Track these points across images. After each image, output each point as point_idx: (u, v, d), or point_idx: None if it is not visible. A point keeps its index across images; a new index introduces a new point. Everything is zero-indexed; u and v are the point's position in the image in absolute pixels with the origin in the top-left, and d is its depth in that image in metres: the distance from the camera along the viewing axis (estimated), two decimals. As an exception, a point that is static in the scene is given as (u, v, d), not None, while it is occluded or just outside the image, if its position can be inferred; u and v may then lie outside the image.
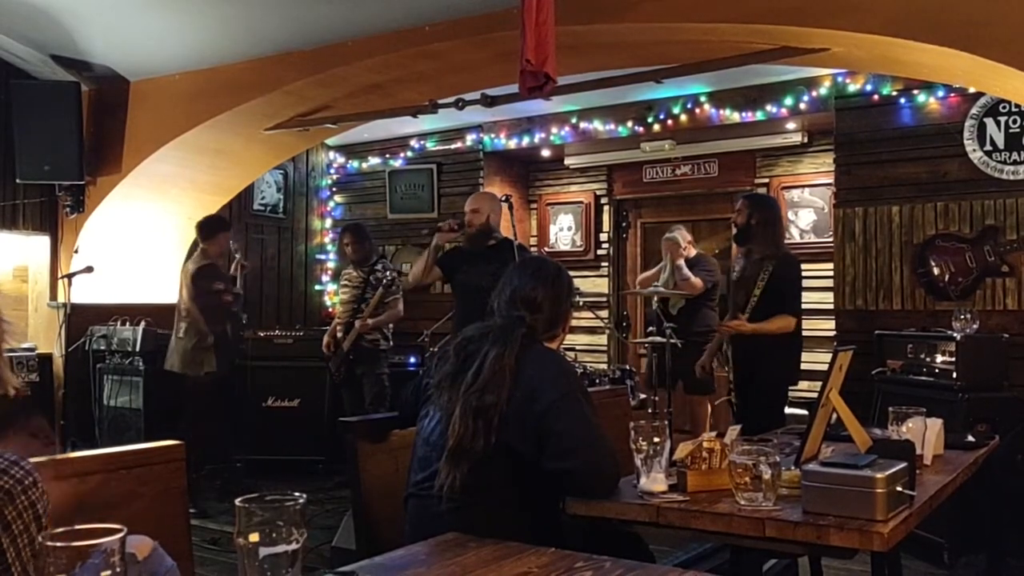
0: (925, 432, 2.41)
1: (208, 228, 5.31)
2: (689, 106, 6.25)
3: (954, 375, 4.21)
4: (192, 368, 5.19)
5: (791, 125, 6.23)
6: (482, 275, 4.22)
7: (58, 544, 0.98)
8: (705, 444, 2.10)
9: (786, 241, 6.35)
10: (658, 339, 5.25)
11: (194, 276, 5.17)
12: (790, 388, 4.44)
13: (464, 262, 4.44)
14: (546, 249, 7.45)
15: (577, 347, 6.85)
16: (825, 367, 2.25)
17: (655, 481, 2.04)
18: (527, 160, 7.59)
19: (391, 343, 5.79)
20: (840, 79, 5.55)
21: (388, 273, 5.58)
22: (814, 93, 5.74)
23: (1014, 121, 4.99)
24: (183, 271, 5.38)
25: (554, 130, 6.85)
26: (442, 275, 4.58)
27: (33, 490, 1.16)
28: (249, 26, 5.05)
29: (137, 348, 5.73)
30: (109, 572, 0.99)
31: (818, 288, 6.12)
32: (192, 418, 5.14)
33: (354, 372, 5.67)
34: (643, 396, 5.57)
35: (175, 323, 5.30)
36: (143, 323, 5.80)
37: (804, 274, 6.17)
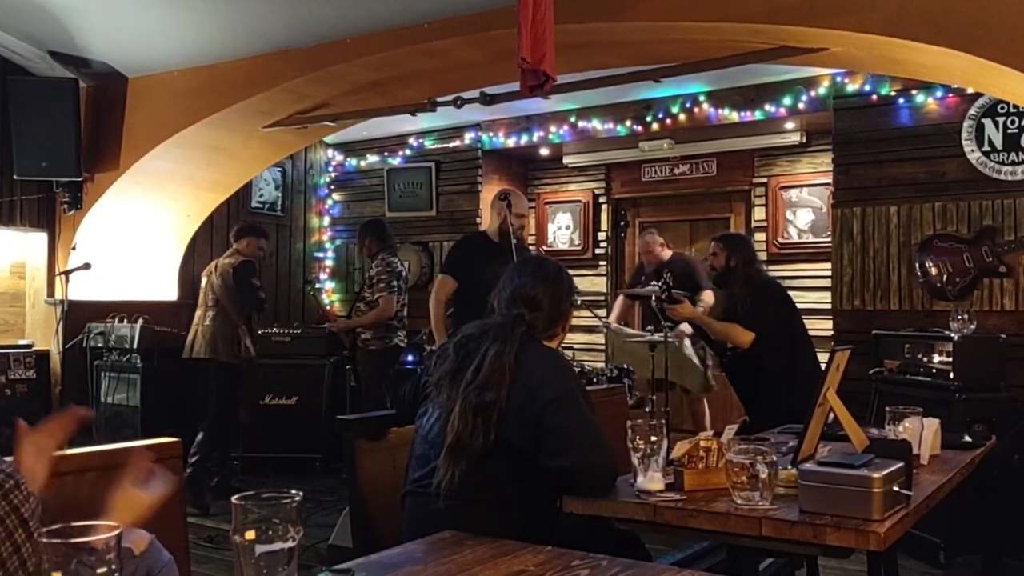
0: (922, 432, 2.42)
1: (237, 231, 5.67)
2: (688, 105, 6.25)
3: (951, 375, 4.21)
4: (221, 354, 5.32)
5: (790, 125, 6.23)
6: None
7: (54, 541, 0.98)
8: (702, 443, 2.10)
9: (783, 241, 6.44)
10: (656, 338, 5.25)
11: (236, 268, 5.40)
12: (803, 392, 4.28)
13: (482, 262, 4.25)
14: (544, 248, 7.44)
15: (575, 346, 6.85)
16: (823, 367, 2.25)
17: (652, 480, 2.04)
18: (525, 159, 7.59)
19: (390, 342, 5.52)
20: (839, 79, 5.56)
21: (375, 270, 5.47)
22: (813, 93, 5.74)
23: (1012, 122, 5.00)
24: (216, 265, 5.51)
25: (553, 129, 6.85)
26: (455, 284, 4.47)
27: (15, 493, 1.13)
28: (248, 23, 5.04)
29: (135, 345, 5.72)
30: (105, 569, 0.99)
31: (816, 288, 6.13)
32: (221, 405, 5.35)
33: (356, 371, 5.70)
34: (640, 395, 5.58)
35: (201, 313, 5.44)
36: (141, 320, 5.79)
37: (802, 274, 6.28)
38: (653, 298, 4.51)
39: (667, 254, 5.96)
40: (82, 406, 1.54)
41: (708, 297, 5.55)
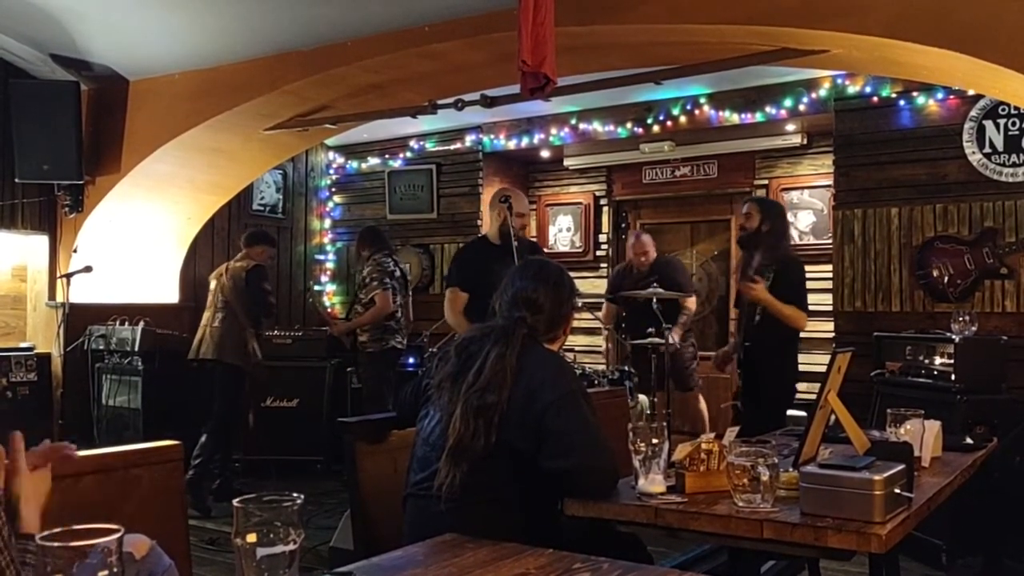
0: (923, 434, 2.42)
1: (250, 237, 5.68)
2: (689, 107, 6.25)
3: (953, 377, 4.20)
4: (227, 355, 5.32)
5: (790, 127, 6.23)
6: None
7: (55, 544, 0.98)
8: (703, 445, 2.10)
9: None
10: (657, 340, 5.26)
11: (250, 272, 5.43)
12: (794, 391, 4.42)
13: (486, 267, 4.13)
14: (545, 250, 7.44)
15: (576, 348, 6.86)
16: (824, 369, 2.25)
17: (653, 482, 2.04)
18: (526, 161, 7.59)
19: (387, 344, 5.56)
20: (839, 81, 5.56)
21: (366, 270, 5.55)
22: (814, 95, 5.74)
23: (1013, 123, 4.99)
24: (228, 268, 5.54)
25: (553, 131, 6.86)
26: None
27: None
28: (249, 26, 5.05)
29: (136, 348, 5.72)
30: (107, 572, 0.99)
31: (817, 290, 6.10)
32: (225, 408, 5.35)
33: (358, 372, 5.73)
34: (642, 397, 5.57)
35: (210, 315, 5.45)
36: (142, 323, 5.80)
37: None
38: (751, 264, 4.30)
39: (654, 254, 5.95)
40: (70, 442, 1.52)
41: (691, 303, 5.62)
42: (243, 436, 6.00)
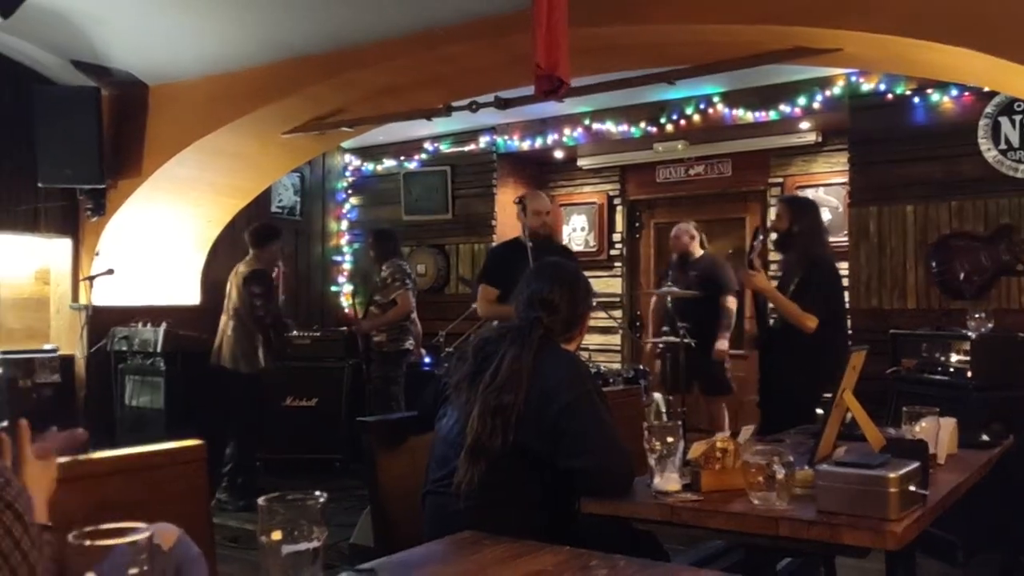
0: (939, 431, 2.42)
1: (259, 236, 5.49)
2: (702, 106, 6.24)
3: (969, 374, 4.19)
4: (241, 365, 5.34)
5: (805, 125, 6.21)
6: None
7: (86, 542, 1.00)
8: (719, 444, 2.11)
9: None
10: (672, 339, 5.26)
11: (245, 279, 5.36)
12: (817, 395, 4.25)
13: (513, 268, 4.06)
14: (560, 250, 7.44)
15: (591, 347, 6.87)
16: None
17: (669, 480, 2.06)
18: (540, 161, 7.61)
19: (402, 344, 5.67)
20: (854, 78, 5.54)
21: (386, 272, 5.63)
22: (828, 93, 5.73)
23: (1029, 120, 4.97)
24: (235, 273, 5.48)
25: (567, 131, 6.87)
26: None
27: (7, 490, 1.14)
28: (267, 31, 5.09)
29: (158, 349, 5.78)
30: (136, 570, 1.01)
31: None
32: (241, 412, 5.39)
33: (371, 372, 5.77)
34: (657, 395, 5.55)
35: (225, 320, 5.45)
36: (164, 324, 5.85)
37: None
38: (753, 247, 4.11)
39: (697, 250, 5.78)
40: (78, 428, 1.57)
41: (731, 303, 5.51)
42: (263, 436, 6.04)
